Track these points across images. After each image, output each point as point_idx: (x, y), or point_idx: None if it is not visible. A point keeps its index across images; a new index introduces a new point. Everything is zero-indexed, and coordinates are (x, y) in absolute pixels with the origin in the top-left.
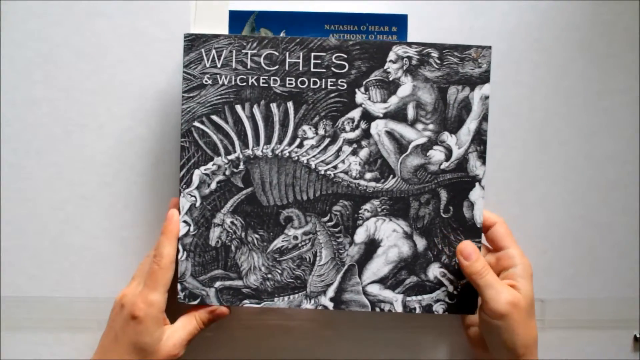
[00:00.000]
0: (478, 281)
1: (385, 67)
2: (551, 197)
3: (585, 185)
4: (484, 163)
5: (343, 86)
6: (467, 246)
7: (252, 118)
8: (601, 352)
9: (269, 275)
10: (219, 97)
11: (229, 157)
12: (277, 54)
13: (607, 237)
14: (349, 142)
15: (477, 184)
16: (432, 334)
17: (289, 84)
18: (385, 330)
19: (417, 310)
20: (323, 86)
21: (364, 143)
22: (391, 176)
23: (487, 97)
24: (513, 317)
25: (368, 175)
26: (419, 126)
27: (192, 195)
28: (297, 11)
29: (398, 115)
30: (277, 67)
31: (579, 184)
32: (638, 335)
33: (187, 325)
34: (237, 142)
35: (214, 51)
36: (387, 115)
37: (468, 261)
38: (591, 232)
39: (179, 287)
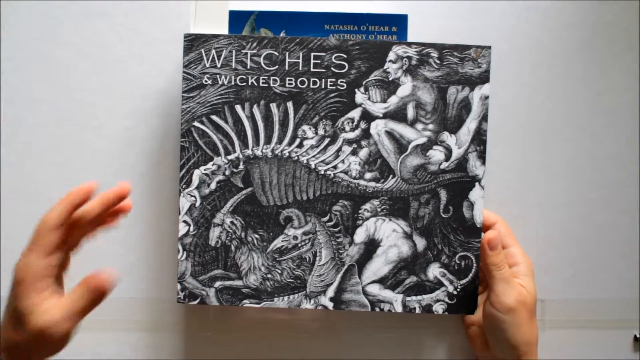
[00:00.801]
0: (495, 272)
1: (385, 67)
2: (551, 197)
3: (586, 185)
4: (483, 163)
5: (343, 86)
6: (495, 237)
7: (251, 118)
8: (601, 352)
9: (269, 275)
10: (218, 97)
11: (229, 157)
12: (277, 54)
13: (607, 237)
14: (349, 142)
15: (477, 184)
16: (432, 334)
17: (289, 84)
18: (385, 330)
19: (417, 310)
20: (323, 86)
21: (363, 143)
22: (391, 176)
23: (486, 97)
24: (519, 313)
25: (368, 175)
26: (419, 126)
27: (192, 195)
28: (297, 11)
29: (398, 115)
30: (276, 67)
31: (579, 184)
32: (638, 335)
33: (70, 299)
34: (236, 142)
35: (213, 51)
36: (386, 115)
37: (493, 252)
38: (591, 232)
39: (178, 287)
